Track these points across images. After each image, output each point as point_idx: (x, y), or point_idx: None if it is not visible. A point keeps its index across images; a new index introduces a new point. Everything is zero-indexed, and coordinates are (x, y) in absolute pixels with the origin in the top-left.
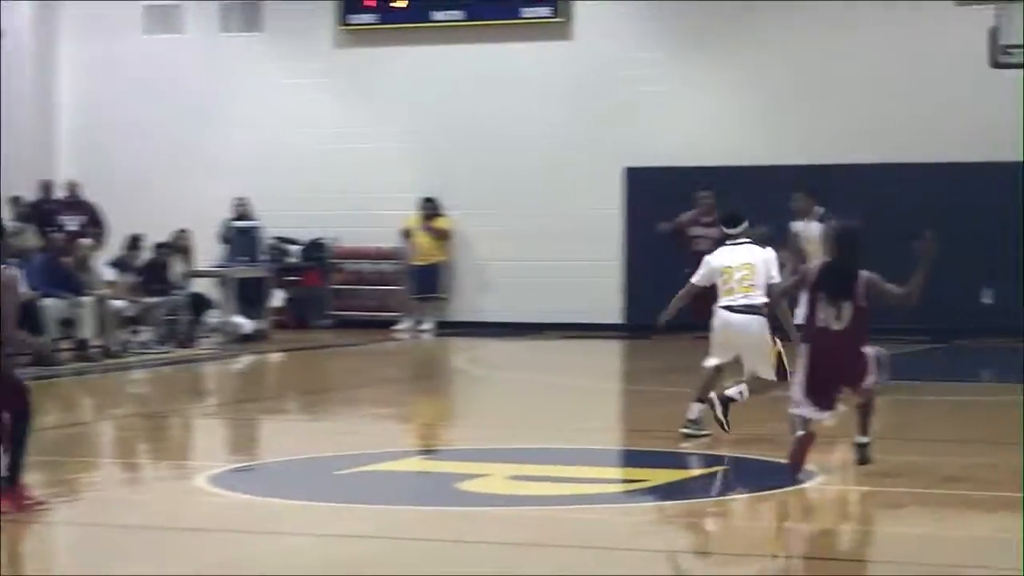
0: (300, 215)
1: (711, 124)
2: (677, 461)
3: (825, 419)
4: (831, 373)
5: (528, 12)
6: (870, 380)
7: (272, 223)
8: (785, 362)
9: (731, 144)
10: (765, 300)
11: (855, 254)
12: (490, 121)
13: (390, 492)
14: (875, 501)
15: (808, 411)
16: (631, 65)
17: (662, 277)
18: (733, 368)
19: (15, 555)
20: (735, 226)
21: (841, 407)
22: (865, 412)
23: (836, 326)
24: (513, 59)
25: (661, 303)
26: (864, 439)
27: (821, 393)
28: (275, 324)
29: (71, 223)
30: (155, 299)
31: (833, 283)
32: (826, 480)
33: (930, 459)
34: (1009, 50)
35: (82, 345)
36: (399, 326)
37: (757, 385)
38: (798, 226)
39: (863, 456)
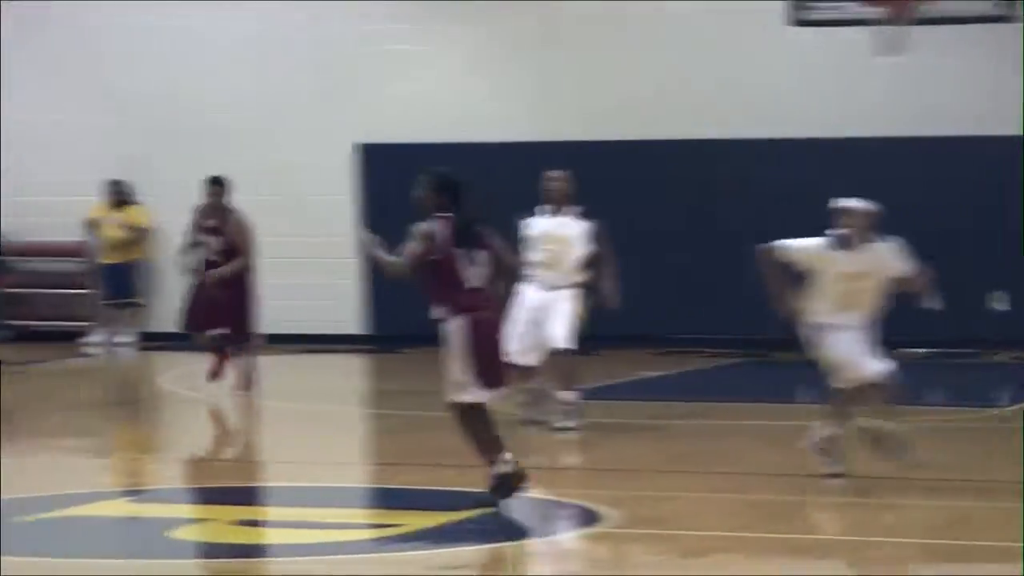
0: None
1: (466, 95)
2: (436, 501)
3: (495, 399)
4: (495, 341)
5: None
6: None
7: None
8: None
9: (493, 117)
10: None
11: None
12: (191, 88)
13: (86, 542)
14: (678, 546)
15: (477, 394)
16: (365, 20)
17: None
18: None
19: None
20: None
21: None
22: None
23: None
24: (218, 13)
25: (412, 307)
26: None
27: (489, 367)
28: None
29: None
30: None
31: (470, 236)
32: (613, 523)
33: (722, 495)
34: (809, 4)
35: None
36: (90, 338)
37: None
38: (541, 221)
39: None
